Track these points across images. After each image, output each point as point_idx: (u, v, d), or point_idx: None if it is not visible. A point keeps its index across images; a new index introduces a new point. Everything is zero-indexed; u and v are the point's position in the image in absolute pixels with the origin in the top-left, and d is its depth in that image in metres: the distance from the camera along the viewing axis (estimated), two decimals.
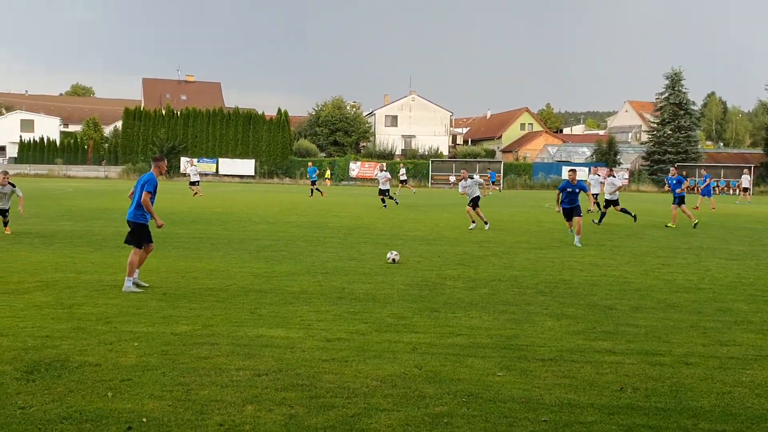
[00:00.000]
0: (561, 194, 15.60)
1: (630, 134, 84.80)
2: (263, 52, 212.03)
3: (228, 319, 7.42)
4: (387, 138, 71.38)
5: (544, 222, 21.58)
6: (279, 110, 62.82)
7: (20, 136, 65.08)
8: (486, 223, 18.18)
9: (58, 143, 63.75)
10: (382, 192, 27.12)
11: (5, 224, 14.93)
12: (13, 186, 14.99)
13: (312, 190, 34.96)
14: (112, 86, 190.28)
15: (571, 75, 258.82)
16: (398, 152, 70.47)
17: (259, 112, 63.56)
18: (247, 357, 5.98)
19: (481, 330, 7.18)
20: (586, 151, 68.42)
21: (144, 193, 8.87)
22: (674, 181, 20.52)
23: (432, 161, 61.16)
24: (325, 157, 65.63)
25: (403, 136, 74.54)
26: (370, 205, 26.52)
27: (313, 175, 35.55)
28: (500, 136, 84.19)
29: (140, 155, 60.19)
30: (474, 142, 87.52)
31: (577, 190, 15.36)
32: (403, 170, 42.62)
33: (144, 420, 4.50)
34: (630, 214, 20.62)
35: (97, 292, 8.72)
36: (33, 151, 62.60)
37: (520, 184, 57.80)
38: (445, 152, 73.14)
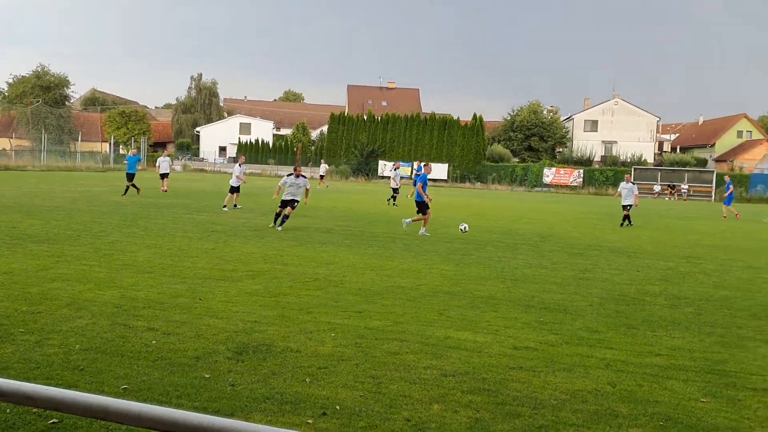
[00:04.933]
0: None
1: None
2: (461, 57, 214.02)
3: (417, 318, 7.59)
4: (585, 143, 68.72)
5: (763, 239, 19.45)
6: (474, 115, 63.08)
7: (239, 138, 71.57)
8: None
9: (270, 145, 69.30)
10: (395, 191, 27.96)
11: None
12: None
13: (128, 187, 25.16)
14: (320, 93, 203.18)
15: None
16: (597, 158, 67.51)
17: (455, 117, 64.26)
18: (434, 357, 6.08)
19: (684, 351, 6.65)
20: None
21: (420, 184, 16.85)
22: None
23: (634, 168, 57.81)
24: (518, 162, 64.74)
25: (603, 141, 71.28)
26: (564, 213, 25.68)
27: (136, 167, 25.82)
28: (713, 144, 77.27)
29: (342, 158, 63.71)
30: (683, 149, 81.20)
31: None
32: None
33: (337, 407, 4.75)
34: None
35: (300, 283, 9.37)
36: (249, 152, 68.51)
37: (735, 196, 52.54)
38: (650, 159, 68.69)
